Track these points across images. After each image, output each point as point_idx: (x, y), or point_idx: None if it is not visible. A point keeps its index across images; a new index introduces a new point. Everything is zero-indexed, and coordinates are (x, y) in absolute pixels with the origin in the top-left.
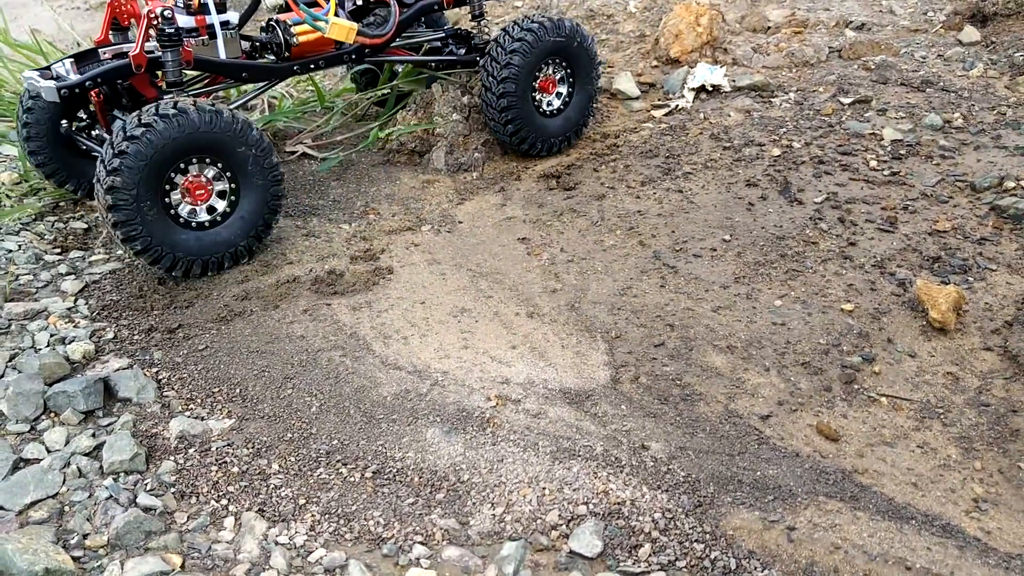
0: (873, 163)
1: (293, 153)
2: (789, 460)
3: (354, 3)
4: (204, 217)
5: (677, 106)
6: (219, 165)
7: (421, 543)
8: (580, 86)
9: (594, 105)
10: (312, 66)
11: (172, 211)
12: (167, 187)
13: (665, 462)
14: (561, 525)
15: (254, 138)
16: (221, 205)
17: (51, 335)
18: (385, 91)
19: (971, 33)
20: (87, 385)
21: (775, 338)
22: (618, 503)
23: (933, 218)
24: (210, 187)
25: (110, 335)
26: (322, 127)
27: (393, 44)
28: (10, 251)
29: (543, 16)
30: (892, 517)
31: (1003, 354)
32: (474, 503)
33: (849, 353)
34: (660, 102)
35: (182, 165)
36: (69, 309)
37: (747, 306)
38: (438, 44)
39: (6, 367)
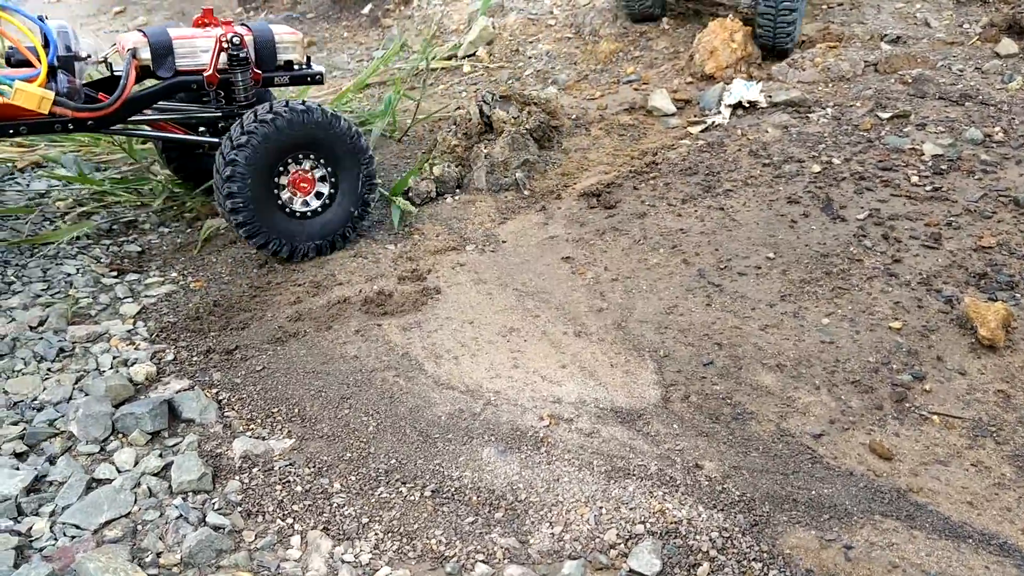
0: (915, 178)
1: None
2: (843, 479)
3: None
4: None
5: (714, 123)
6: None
7: (483, 561)
8: (345, 184)
9: (367, 206)
10: (11, 131)
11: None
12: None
13: (719, 481)
14: (619, 544)
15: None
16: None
17: (114, 357)
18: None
19: (1008, 45)
20: (153, 407)
21: (824, 356)
22: (675, 522)
23: (978, 234)
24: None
25: (170, 356)
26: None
27: (153, 117)
28: (69, 274)
29: (291, 104)
30: (949, 536)
31: None
32: (533, 522)
33: (899, 371)
34: (696, 119)
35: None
36: (129, 331)
37: (794, 324)
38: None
39: (73, 389)
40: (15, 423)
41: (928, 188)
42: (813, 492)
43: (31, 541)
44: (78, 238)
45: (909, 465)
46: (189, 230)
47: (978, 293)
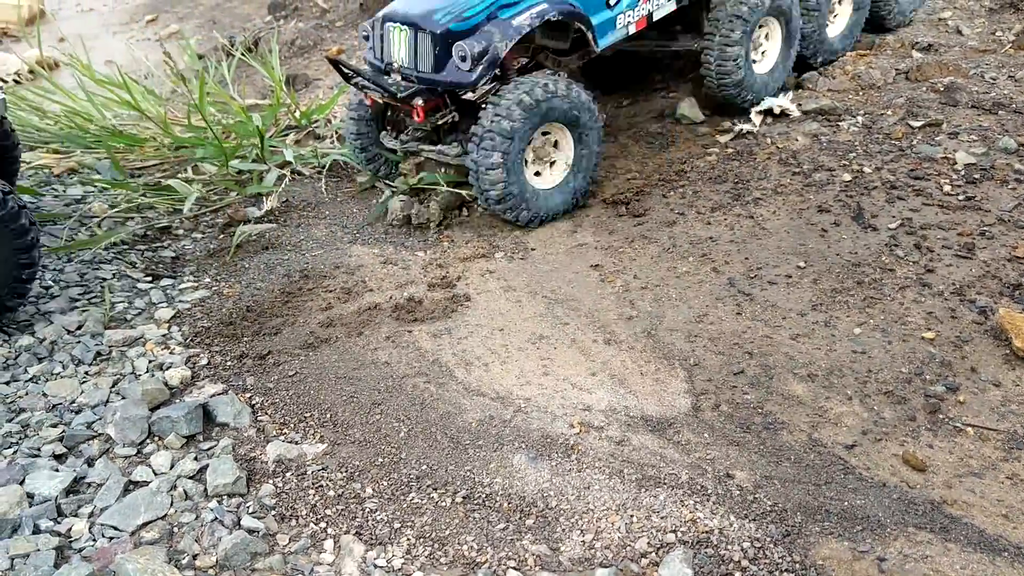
0: (947, 187)
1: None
2: (876, 490)
3: None
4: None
5: (743, 131)
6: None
7: (515, 568)
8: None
9: None
10: None
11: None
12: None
13: (751, 491)
14: (651, 553)
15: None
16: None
17: (149, 361)
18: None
19: None
20: (188, 411)
21: (856, 366)
22: (706, 532)
23: (1011, 244)
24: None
25: (204, 361)
26: None
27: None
28: (105, 279)
29: None
30: (984, 549)
31: None
32: (563, 529)
33: (932, 382)
34: (725, 127)
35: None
36: (164, 336)
37: (826, 334)
38: None
39: (110, 392)
40: (54, 425)
41: (961, 197)
42: (846, 503)
43: (71, 542)
44: (114, 243)
45: (943, 477)
46: (222, 236)
47: (1012, 304)
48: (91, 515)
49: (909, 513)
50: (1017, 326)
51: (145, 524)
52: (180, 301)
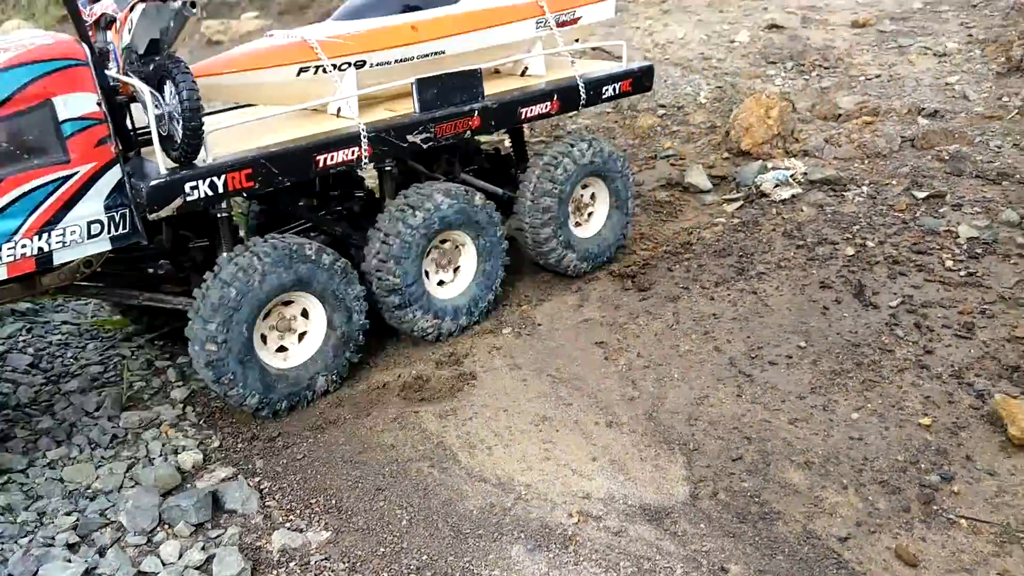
0: (949, 263)
1: None
2: None
3: None
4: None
5: (750, 199)
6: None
7: None
8: None
9: None
10: None
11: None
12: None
13: None
14: None
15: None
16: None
17: (163, 444)
18: None
19: None
20: (198, 500)
21: (852, 453)
22: None
23: (1012, 323)
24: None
25: (216, 443)
26: None
27: None
28: (124, 357)
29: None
30: None
31: None
32: None
33: (927, 471)
34: (732, 196)
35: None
36: (179, 416)
37: (824, 418)
38: None
39: (124, 477)
40: (68, 513)
41: (963, 273)
42: None
43: None
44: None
45: (934, 572)
46: None
47: (1010, 387)
48: None
49: None
50: (1012, 413)
51: None
52: (195, 379)
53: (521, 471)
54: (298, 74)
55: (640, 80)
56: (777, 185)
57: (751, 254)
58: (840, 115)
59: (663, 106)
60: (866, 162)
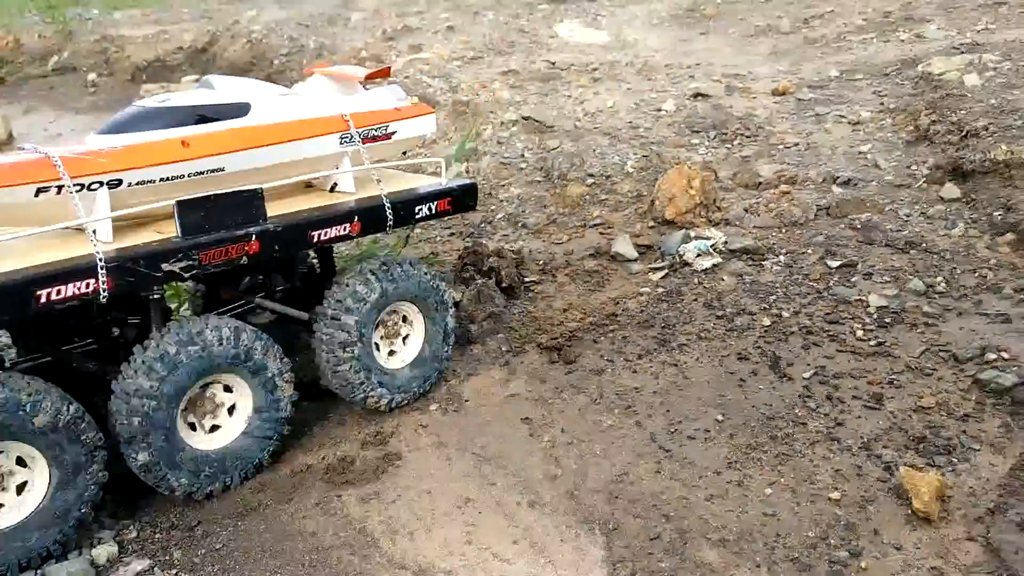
0: (859, 332)
1: None
2: None
3: None
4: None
5: (673, 267)
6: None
7: None
8: None
9: None
10: None
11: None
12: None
13: None
14: None
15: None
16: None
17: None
18: None
19: (951, 190)
20: None
21: (766, 530)
22: None
23: (918, 393)
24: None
25: (133, 534)
26: None
27: None
28: None
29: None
30: None
31: (986, 546)
32: None
33: (836, 547)
34: (657, 264)
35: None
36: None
37: (739, 494)
38: None
39: (36, 574)
40: None
41: (872, 343)
42: None
43: None
44: None
45: None
46: None
47: (917, 458)
48: None
49: None
50: (916, 486)
51: None
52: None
53: (442, 557)
54: (36, 195)
55: (461, 198)
56: (699, 255)
57: (673, 325)
58: (760, 183)
59: (592, 175)
60: (783, 231)
